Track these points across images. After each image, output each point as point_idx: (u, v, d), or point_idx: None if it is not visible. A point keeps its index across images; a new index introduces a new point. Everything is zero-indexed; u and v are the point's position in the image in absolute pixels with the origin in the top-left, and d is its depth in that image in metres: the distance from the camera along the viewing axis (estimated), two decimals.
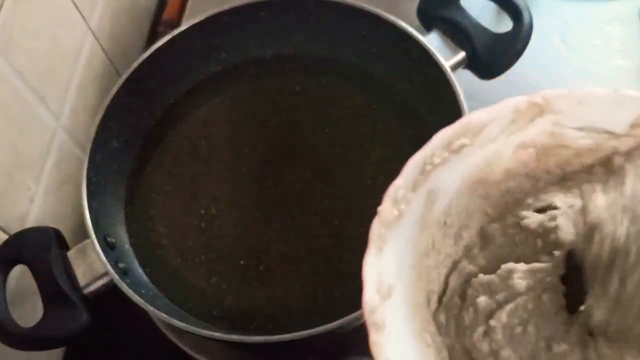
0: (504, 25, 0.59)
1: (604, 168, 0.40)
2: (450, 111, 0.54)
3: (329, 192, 0.57)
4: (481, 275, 0.39)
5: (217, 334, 0.48)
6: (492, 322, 0.37)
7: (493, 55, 0.57)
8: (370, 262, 0.36)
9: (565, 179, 0.41)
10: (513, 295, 0.37)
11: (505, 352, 0.37)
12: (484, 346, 0.37)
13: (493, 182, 0.41)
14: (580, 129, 0.39)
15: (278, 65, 0.65)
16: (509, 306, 0.37)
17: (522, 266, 0.38)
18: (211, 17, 0.61)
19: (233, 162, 0.60)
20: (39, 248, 0.52)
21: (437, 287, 0.40)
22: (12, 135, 0.54)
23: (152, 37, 0.78)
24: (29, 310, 0.53)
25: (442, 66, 0.56)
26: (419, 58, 0.58)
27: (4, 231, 0.53)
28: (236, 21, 0.62)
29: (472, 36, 0.57)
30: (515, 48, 0.57)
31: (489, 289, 0.38)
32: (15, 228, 0.54)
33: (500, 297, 0.38)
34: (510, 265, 0.38)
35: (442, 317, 0.39)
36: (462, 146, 0.38)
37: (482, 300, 0.38)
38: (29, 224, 0.56)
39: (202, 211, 0.58)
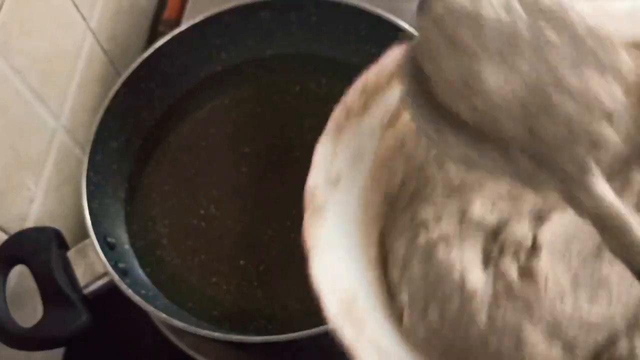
0: None
1: None
2: None
3: None
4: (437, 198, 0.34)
5: (217, 334, 0.48)
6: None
7: None
8: (324, 142, 0.33)
9: None
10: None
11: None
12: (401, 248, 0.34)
13: None
14: None
15: (278, 65, 0.65)
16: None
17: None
18: (211, 17, 0.61)
19: (233, 162, 0.60)
20: (39, 248, 0.52)
21: (398, 183, 0.36)
22: (11, 135, 0.54)
23: (152, 37, 0.78)
24: (28, 310, 0.53)
25: None
26: None
27: (3, 231, 0.53)
28: (236, 21, 0.62)
29: None
30: None
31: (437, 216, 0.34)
32: (15, 228, 0.54)
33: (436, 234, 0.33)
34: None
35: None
36: None
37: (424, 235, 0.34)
38: (29, 224, 0.56)
39: (202, 211, 0.58)
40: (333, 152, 0.34)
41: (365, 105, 0.34)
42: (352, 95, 0.34)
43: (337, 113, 0.34)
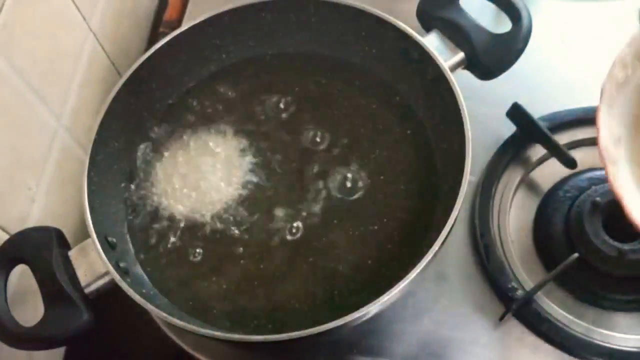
0: (504, 25, 0.59)
1: None
2: (450, 111, 0.54)
3: (328, 192, 0.58)
4: None
5: (217, 333, 0.48)
6: None
7: (492, 56, 0.57)
8: (603, 111, 0.46)
9: None
10: None
11: None
12: None
13: None
14: None
15: (278, 65, 0.65)
16: None
17: None
18: (212, 17, 0.61)
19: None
20: (40, 247, 0.52)
21: None
22: (13, 136, 0.54)
23: (153, 38, 0.78)
24: (29, 310, 0.53)
25: (442, 66, 0.56)
26: (418, 58, 0.58)
27: (5, 231, 0.53)
28: (236, 22, 0.62)
29: (471, 37, 0.57)
30: (514, 48, 0.57)
31: None
32: (16, 228, 0.54)
33: None
34: None
35: None
36: None
37: None
38: (30, 223, 0.56)
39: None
40: (609, 120, 0.46)
41: (626, 79, 0.48)
42: (617, 68, 0.48)
43: (608, 84, 0.48)
